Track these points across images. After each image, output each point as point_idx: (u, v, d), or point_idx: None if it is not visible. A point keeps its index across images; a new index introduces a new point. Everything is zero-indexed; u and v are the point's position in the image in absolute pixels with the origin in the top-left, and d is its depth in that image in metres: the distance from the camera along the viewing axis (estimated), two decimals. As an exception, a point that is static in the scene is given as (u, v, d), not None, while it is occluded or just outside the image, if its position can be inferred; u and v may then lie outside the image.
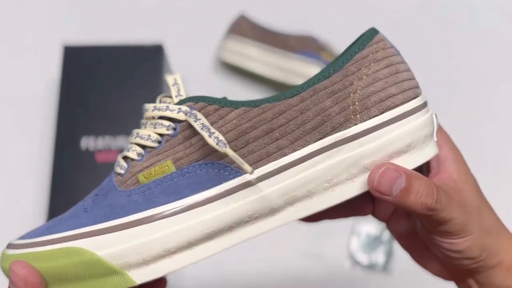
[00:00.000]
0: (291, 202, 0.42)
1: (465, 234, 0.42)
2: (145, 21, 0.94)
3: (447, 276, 0.47)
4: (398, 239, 0.50)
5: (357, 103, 0.41)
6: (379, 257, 0.79)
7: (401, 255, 0.77)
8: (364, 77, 0.42)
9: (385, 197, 0.40)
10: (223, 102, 0.42)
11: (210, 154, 0.42)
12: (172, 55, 0.85)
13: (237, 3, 0.93)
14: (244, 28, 0.87)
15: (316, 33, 0.89)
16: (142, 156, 0.43)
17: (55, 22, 0.94)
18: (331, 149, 0.41)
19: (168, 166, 0.42)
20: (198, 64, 0.91)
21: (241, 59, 0.86)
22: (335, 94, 0.42)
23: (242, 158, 0.42)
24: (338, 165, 0.41)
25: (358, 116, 0.41)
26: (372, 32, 0.43)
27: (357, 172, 0.42)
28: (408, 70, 0.43)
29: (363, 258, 0.79)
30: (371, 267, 0.78)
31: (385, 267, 0.78)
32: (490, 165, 0.84)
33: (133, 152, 0.44)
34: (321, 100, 0.42)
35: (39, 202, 0.81)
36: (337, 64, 0.43)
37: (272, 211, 0.42)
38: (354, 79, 0.42)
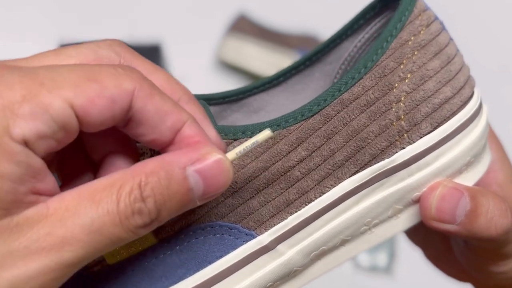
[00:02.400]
0: (319, 257, 0.31)
1: None
2: (143, 21, 0.93)
3: (466, 279, 0.40)
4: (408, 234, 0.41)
5: (402, 118, 0.30)
6: (381, 258, 0.74)
7: (404, 257, 0.73)
8: (409, 75, 0.30)
9: (447, 227, 0.30)
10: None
11: (207, 212, 0.29)
12: (171, 55, 0.84)
13: (237, 2, 0.92)
14: (244, 27, 0.88)
15: (316, 32, 0.89)
16: None
17: (51, 20, 0.93)
18: (371, 184, 0.30)
19: (146, 237, 0.29)
20: (197, 64, 0.90)
21: (241, 58, 0.86)
22: (370, 106, 0.29)
23: (251, 215, 0.29)
24: (380, 204, 0.30)
25: (405, 136, 0.30)
26: (408, 0, 0.30)
27: (403, 206, 0.31)
28: (458, 52, 0.31)
29: (364, 259, 0.74)
30: (373, 269, 0.74)
31: (388, 269, 0.74)
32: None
33: None
34: (353, 117, 0.29)
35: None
36: (368, 58, 0.30)
37: (297, 272, 0.30)
38: (394, 80, 0.30)
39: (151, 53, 0.80)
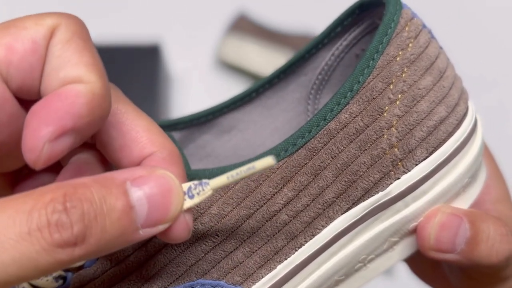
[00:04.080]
0: None
1: None
2: (143, 21, 0.91)
3: None
4: None
5: (395, 145, 0.27)
6: None
7: None
8: (399, 96, 0.27)
9: (446, 256, 0.28)
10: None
11: (186, 270, 0.25)
12: (171, 55, 0.83)
13: (237, 2, 0.91)
14: (244, 27, 0.86)
15: (316, 32, 0.86)
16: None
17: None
18: (365, 220, 0.27)
19: None
20: (197, 64, 0.88)
21: (241, 57, 0.84)
22: (360, 134, 0.26)
23: (236, 268, 0.26)
24: (376, 239, 0.28)
25: (399, 165, 0.27)
26: (395, 7, 0.27)
27: (399, 238, 0.28)
28: (449, 63, 0.29)
29: None
30: None
31: (388, 270, 0.70)
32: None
33: None
34: (341, 149, 0.26)
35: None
36: (353, 79, 0.26)
37: None
38: (384, 103, 0.26)
39: (151, 53, 0.78)
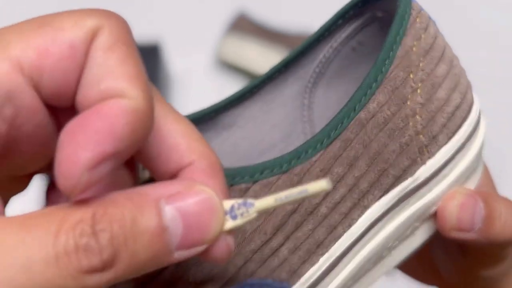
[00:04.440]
0: None
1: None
2: (142, 20, 0.88)
3: (437, 284, 0.39)
4: None
5: (421, 132, 0.27)
6: None
7: None
8: (420, 85, 0.27)
9: (466, 235, 0.29)
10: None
11: (235, 273, 0.24)
12: (170, 55, 0.84)
13: (237, 2, 0.91)
14: (244, 26, 0.85)
15: None
16: None
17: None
18: (395, 207, 0.28)
19: None
20: (197, 63, 0.86)
21: (241, 57, 0.83)
22: (388, 123, 0.27)
23: (281, 265, 0.25)
24: (403, 225, 0.28)
25: (425, 151, 0.27)
26: (406, 3, 0.28)
27: (420, 223, 0.29)
28: (452, 53, 0.30)
29: None
30: None
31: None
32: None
33: None
34: (372, 138, 0.26)
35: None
36: (377, 70, 0.27)
37: None
38: (407, 92, 0.27)
39: (151, 53, 0.76)
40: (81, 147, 0.17)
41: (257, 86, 0.32)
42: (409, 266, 0.38)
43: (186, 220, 0.19)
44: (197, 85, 0.86)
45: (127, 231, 0.17)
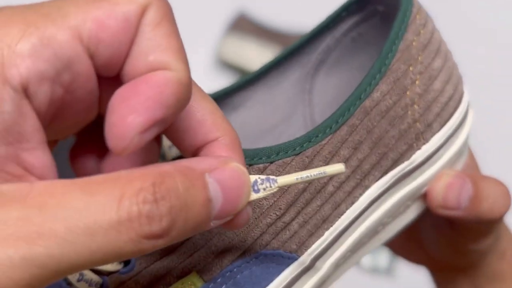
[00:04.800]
0: (340, 264, 0.31)
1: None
2: None
3: (430, 266, 0.42)
4: None
5: (418, 120, 0.30)
6: (382, 259, 0.72)
7: None
8: (418, 77, 0.30)
9: (452, 213, 0.32)
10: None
11: (252, 243, 0.27)
12: None
13: (237, 2, 0.91)
14: (244, 26, 0.85)
15: None
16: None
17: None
18: (391, 187, 0.30)
19: (192, 281, 0.26)
20: (197, 63, 0.81)
21: (241, 57, 0.83)
22: (389, 111, 0.29)
23: (292, 237, 0.28)
24: (397, 204, 0.31)
25: (421, 137, 0.30)
26: (408, 0, 0.30)
27: (411, 202, 0.32)
28: (447, 47, 0.32)
29: (365, 260, 0.71)
30: (374, 270, 0.71)
31: (389, 270, 0.72)
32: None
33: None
34: (375, 124, 0.29)
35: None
36: (380, 62, 0.29)
37: (325, 281, 0.30)
38: (407, 83, 0.30)
39: None
40: (134, 111, 0.19)
41: (264, 71, 0.34)
42: (398, 245, 0.41)
43: (224, 192, 0.20)
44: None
45: (182, 201, 0.19)
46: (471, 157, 0.36)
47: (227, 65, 0.89)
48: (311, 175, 0.24)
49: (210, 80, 0.90)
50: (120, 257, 0.18)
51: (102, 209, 0.18)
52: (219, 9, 0.92)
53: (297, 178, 0.24)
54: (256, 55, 0.86)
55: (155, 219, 0.18)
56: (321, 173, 0.24)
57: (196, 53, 0.90)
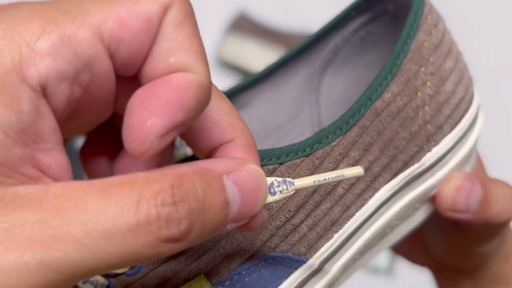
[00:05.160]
0: (347, 268, 0.30)
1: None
2: None
3: (433, 267, 0.42)
4: None
5: (429, 121, 0.30)
6: (382, 259, 0.71)
7: None
8: (429, 77, 0.30)
9: (461, 215, 0.32)
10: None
11: (261, 246, 0.27)
12: None
13: (237, 2, 0.91)
14: (244, 26, 0.85)
15: None
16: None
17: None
18: (401, 190, 0.30)
19: (200, 284, 0.26)
20: None
21: (241, 57, 0.82)
22: (400, 112, 0.29)
23: (301, 240, 0.27)
24: (406, 207, 0.31)
25: (431, 139, 0.30)
26: (419, 0, 0.30)
27: (420, 204, 0.32)
28: (458, 48, 0.32)
29: None
30: (374, 270, 0.71)
31: (389, 270, 0.71)
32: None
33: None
34: (385, 125, 0.29)
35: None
36: (392, 62, 0.29)
37: (331, 284, 0.30)
38: (418, 84, 0.29)
39: None
40: (154, 114, 0.18)
41: (271, 70, 0.34)
42: (401, 246, 0.41)
43: (242, 195, 0.20)
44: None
45: (201, 204, 0.18)
46: (478, 160, 0.36)
47: (227, 65, 0.89)
48: (328, 178, 0.23)
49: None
50: (138, 261, 0.18)
51: (120, 212, 0.17)
52: (219, 9, 0.92)
53: (314, 181, 0.23)
54: (256, 55, 0.86)
55: (173, 222, 0.18)
56: (339, 175, 0.23)
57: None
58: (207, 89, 0.20)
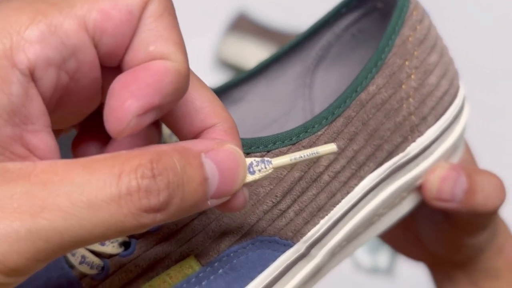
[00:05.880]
0: (335, 253, 0.32)
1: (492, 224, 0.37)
2: None
3: (428, 261, 0.43)
4: None
5: (413, 113, 0.31)
6: (382, 259, 0.71)
7: (406, 258, 0.73)
8: (413, 71, 0.31)
9: (447, 205, 0.33)
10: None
11: (249, 229, 0.28)
12: None
13: (237, 2, 0.91)
14: (244, 26, 0.86)
15: None
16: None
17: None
18: (386, 179, 0.31)
19: (190, 265, 0.27)
20: (197, 63, 0.79)
21: (241, 57, 0.83)
22: (384, 104, 0.30)
23: (288, 225, 0.29)
24: (392, 195, 0.32)
25: (415, 130, 0.31)
26: None
27: (407, 193, 0.33)
28: (443, 43, 0.33)
29: (365, 260, 0.71)
30: (374, 270, 0.71)
31: (389, 270, 0.72)
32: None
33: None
34: (370, 116, 0.30)
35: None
36: (377, 56, 0.30)
37: (320, 269, 0.31)
38: (403, 78, 0.31)
39: None
40: (133, 96, 0.20)
41: (264, 65, 0.35)
42: (397, 241, 0.42)
43: (221, 172, 0.21)
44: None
45: (179, 178, 0.20)
46: (468, 151, 0.37)
47: (227, 65, 0.90)
48: (304, 155, 0.25)
49: (209, 79, 0.93)
50: (122, 232, 0.19)
51: (103, 184, 0.19)
52: (219, 9, 0.92)
53: (291, 159, 0.25)
54: (256, 55, 0.86)
55: (153, 193, 0.19)
56: (314, 153, 0.25)
57: (196, 53, 0.94)
58: (185, 76, 0.21)
